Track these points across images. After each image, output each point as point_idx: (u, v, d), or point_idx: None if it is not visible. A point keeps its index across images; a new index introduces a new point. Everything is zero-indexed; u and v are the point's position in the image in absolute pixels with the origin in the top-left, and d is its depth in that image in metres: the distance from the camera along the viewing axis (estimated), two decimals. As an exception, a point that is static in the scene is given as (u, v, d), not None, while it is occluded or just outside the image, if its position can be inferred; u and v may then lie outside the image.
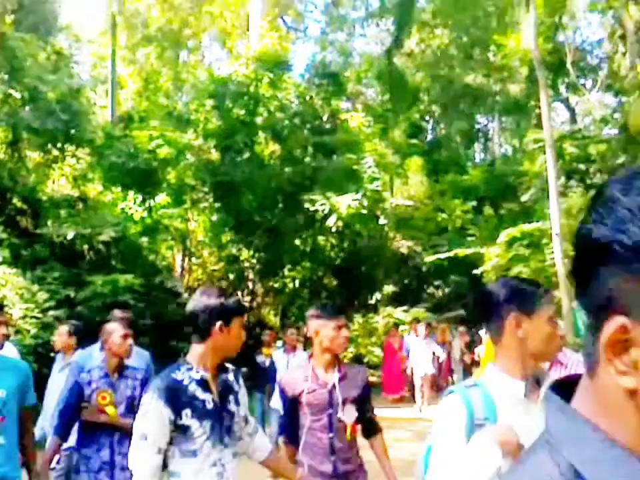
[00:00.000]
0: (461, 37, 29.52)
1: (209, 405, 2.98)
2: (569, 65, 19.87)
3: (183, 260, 20.84)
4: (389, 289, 21.00)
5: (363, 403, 3.91)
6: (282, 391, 4.04)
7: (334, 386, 3.81)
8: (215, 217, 19.96)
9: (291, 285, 20.51)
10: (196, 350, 3.02)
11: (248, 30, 26.51)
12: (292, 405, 3.93)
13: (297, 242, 19.81)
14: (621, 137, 16.95)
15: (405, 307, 19.78)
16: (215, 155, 19.72)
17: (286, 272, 20.35)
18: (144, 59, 31.55)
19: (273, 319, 21.34)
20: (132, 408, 4.35)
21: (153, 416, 2.86)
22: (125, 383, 4.60)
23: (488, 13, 27.55)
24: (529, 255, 17.49)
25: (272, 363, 9.46)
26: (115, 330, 4.67)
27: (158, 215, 18.79)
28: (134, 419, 4.29)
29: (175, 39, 31.44)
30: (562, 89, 28.34)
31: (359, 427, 3.95)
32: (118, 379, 4.60)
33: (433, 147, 29.80)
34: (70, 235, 14.22)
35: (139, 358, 5.44)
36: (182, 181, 19.15)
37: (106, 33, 28.57)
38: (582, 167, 19.10)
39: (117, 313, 5.45)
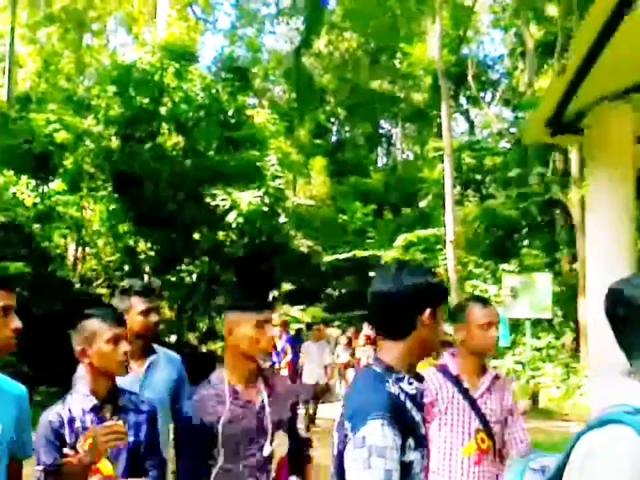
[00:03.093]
0: (368, 42, 30.01)
1: (422, 430, 2.09)
2: (470, 78, 20.54)
3: (77, 249, 20.22)
4: (286, 286, 21.10)
5: (293, 425, 2.96)
6: (185, 420, 2.81)
7: (262, 406, 2.79)
8: (112, 207, 19.47)
9: (188, 279, 20.27)
10: (395, 350, 2.09)
11: (155, 17, 26.02)
12: (203, 441, 2.71)
13: (196, 236, 19.59)
14: (515, 151, 17.71)
15: (302, 306, 19.92)
16: (115, 143, 19.22)
17: (183, 266, 20.09)
18: (45, 39, 30.44)
19: (169, 313, 21.05)
20: (135, 461, 2.73)
21: (388, 450, 1.88)
22: (124, 419, 2.72)
23: (396, 20, 28.13)
24: (424, 259, 17.98)
25: None
26: (101, 330, 2.75)
27: (52, 202, 18.16)
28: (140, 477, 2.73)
29: (78, 20, 30.46)
30: (463, 100, 29.29)
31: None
32: (113, 413, 2.76)
33: (337, 149, 30.18)
34: (-44, 218, 13.55)
35: (169, 364, 3.70)
36: (79, 168, 18.56)
37: (6, 9, 27.40)
38: (478, 177, 19.82)
39: (136, 283, 3.65)
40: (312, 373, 12.70)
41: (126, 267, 20.05)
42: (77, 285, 17.74)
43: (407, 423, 1.98)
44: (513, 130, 21.25)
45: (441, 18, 17.16)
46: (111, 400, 2.78)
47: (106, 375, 2.77)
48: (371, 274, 19.83)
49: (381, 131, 34.63)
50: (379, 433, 1.87)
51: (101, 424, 2.60)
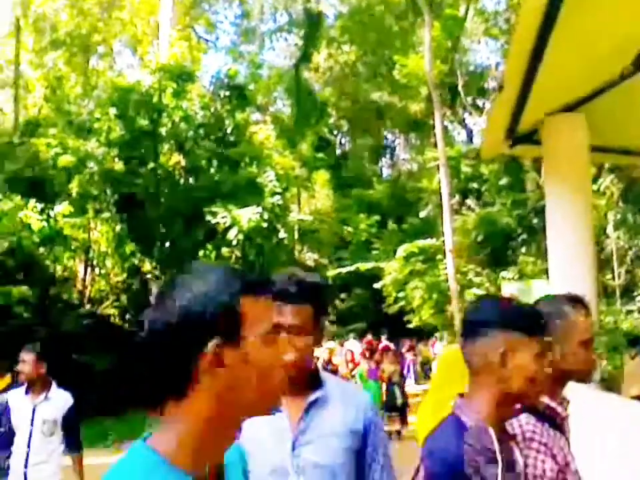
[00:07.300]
0: (367, 54, 30.08)
1: None
2: (460, 88, 20.53)
3: (85, 271, 20.41)
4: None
5: None
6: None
7: (520, 466, 1.91)
8: (118, 227, 19.65)
9: (194, 298, 20.33)
10: None
11: (158, 38, 26.32)
12: None
13: (201, 254, 19.70)
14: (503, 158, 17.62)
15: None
16: (117, 165, 19.41)
17: (190, 285, 20.15)
18: (52, 64, 30.83)
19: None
20: None
21: None
22: None
23: (392, 33, 28.19)
24: (424, 269, 17.94)
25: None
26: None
27: (58, 225, 18.37)
28: None
29: (84, 44, 30.84)
30: (461, 108, 29.21)
31: None
32: None
33: (341, 161, 30.19)
34: (-37, 245, 13.83)
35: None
36: (84, 190, 18.76)
37: (12, 35, 27.91)
38: (476, 185, 19.74)
39: None
40: None
41: (133, 287, 20.21)
42: (87, 306, 17.94)
43: None
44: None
45: (432, 29, 17.23)
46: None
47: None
48: (376, 286, 19.87)
49: (384, 142, 34.57)
50: None
51: None
